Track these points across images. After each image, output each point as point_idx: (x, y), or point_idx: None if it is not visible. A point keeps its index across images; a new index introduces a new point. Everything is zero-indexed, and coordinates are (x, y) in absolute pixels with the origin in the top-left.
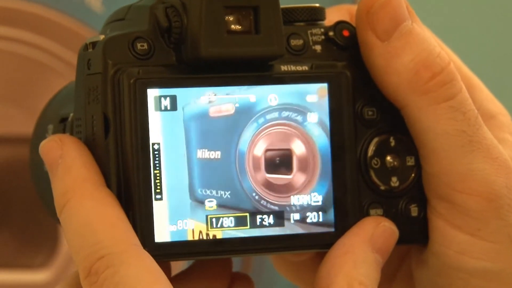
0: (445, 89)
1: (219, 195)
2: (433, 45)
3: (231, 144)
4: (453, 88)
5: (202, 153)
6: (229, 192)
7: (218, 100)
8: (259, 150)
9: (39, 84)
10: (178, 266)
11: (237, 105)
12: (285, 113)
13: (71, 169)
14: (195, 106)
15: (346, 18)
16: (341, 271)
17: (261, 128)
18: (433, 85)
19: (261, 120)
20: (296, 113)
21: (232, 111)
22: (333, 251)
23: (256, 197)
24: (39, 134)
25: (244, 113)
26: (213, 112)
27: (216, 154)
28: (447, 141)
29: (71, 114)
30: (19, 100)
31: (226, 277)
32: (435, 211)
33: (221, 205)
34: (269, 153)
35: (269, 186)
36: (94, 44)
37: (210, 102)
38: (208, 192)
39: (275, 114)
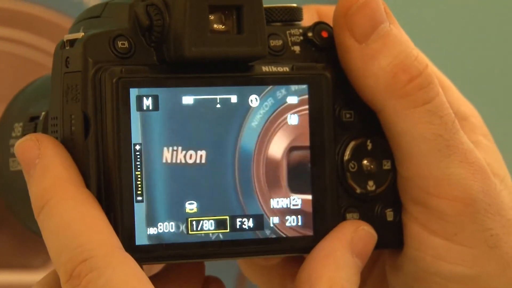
0: (423, 92)
1: (213, 219)
2: (411, 48)
3: (227, 138)
4: (431, 91)
5: (189, 158)
6: (222, 229)
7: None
8: (278, 148)
9: None
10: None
11: (218, 105)
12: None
13: (49, 169)
14: (179, 101)
15: (314, 18)
16: (323, 275)
17: (279, 110)
18: (410, 89)
19: (280, 94)
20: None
21: (235, 97)
22: (313, 254)
23: (270, 225)
24: (4, 133)
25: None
26: (207, 99)
27: (211, 160)
28: (424, 145)
29: (43, 113)
30: None
31: (199, 280)
32: (411, 215)
33: (203, 208)
34: (296, 153)
35: (289, 212)
36: (72, 41)
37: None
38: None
39: (301, 87)
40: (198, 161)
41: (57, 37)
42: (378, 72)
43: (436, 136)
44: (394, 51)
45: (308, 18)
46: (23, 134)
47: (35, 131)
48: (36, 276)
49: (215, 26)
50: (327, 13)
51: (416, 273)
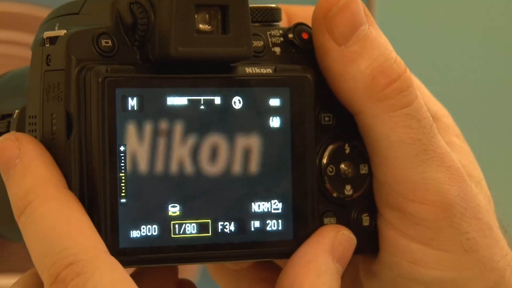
0: (402, 96)
1: (195, 222)
2: (390, 50)
3: (218, 147)
4: (410, 95)
5: (173, 160)
6: (204, 233)
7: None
8: (259, 158)
9: None
10: None
11: (202, 107)
12: None
13: (30, 170)
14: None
15: (284, 18)
16: (305, 281)
17: (263, 123)
18: (389, 92)
19: (263, 111)
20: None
21: (219, 99)
22: (295, 259)
23: (251, 229)
24: None
25: None
26: (191, 100)
27: (195, 162)
28: (401, 149)
29: (17, 111)
30: None
31: (172, 282)
32: (386, 221)
33: (186, 211)
34: (273, 162)
35: (270, 215)
36: (52, 39)
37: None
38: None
39: (283, 89)
40: (182, 163)
41: None
42: (357, 75)
43: (414, 140)
44: (374, 53)
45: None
46: None
47: (8, 129)
48: None
49: (200, 26)
50: (296, 13)
51: (392, 279)
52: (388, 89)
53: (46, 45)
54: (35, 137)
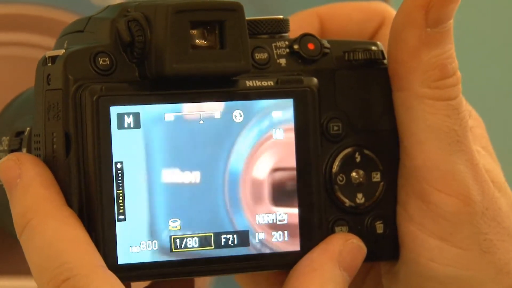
0: (450, 90)
1: (197, 236)
2: (453, 49)
3: (217, 161)
4: (457, 91)
5: (172, 175)
6: (207, 246)
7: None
8: (262, 170)
9: None
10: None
11: (201, 122)
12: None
13: (30, 189)
14: (161, 118)
15: (315, 23)
16: None
17: (265, 135)
18: (442, 84)
19: (266, 123)
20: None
21: (218, 113)
22: (300, 267)
23: (255, 241)
24: None
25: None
26: (190, 115)
27: (194, 177)
28: (436, 135)
29: (28, 128)
30: None
31: None
32: (407, 214)
33: (186, 225)
34: (277, 174)
35: (275, 227)
36: (53, 58)
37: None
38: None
39: (286, 101)
40: (181, 178)
41: None
42: (425, 59)
43: (450, 130)
44: (445, 48)
45: (307, 24)
46: (9, 148)
47: (20, 146)
48: None
49: (197, 41)
50: (327, 12)
51: (411, 279)
52: (441, 82)
53: (48, 65)
54: (39, 155)
